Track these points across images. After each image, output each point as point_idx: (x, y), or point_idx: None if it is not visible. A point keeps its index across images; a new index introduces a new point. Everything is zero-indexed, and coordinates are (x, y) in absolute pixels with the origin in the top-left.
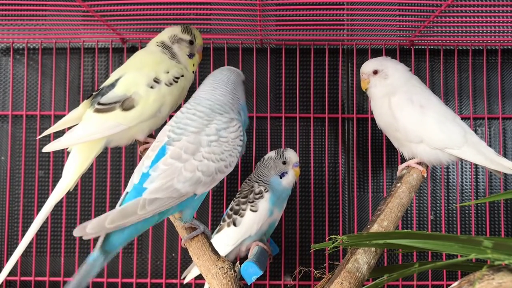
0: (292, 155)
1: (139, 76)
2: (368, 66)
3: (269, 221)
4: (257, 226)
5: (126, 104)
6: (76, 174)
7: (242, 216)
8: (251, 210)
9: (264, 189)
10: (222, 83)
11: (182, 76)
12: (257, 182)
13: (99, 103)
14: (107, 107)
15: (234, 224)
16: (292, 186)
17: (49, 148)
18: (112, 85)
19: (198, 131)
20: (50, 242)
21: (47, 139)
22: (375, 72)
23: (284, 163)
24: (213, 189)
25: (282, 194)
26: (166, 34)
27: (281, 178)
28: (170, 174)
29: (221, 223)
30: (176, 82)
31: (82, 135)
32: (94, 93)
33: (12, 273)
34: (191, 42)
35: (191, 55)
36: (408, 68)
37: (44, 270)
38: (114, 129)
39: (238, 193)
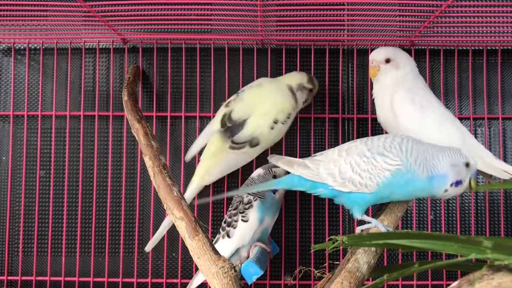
0: (280, 169)
1: (264, 121)
2: (380, 53)
3: (261, 229)
4: (249, 236)
5: (253, 143)
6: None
7: (234, 228)
8: (242, 220)
9: (253, 198)
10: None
11: (290, 114)
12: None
13: (234, 142)
14: (239, 145)
15: (228, 236)
16: (282, 196)
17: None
18: (241, 125)
19: (367, 145)
20: (51, 242)
21: (47, 140)
22: (387, 61)
23: (275, 177)
24: (213, 189)
25: (273, 205)
26: (294, 81)
27: (274, 193)
28: (326, 157)
29: (218, 235)
30: (288, 118)
31: (224, 170)
32: (227, 125)
33: (13, 273)
34: (310, 90)
35: (305, 101)
36: (416, 65)
37: (45, 270)
38: (245, 160)
39: (230, 206)
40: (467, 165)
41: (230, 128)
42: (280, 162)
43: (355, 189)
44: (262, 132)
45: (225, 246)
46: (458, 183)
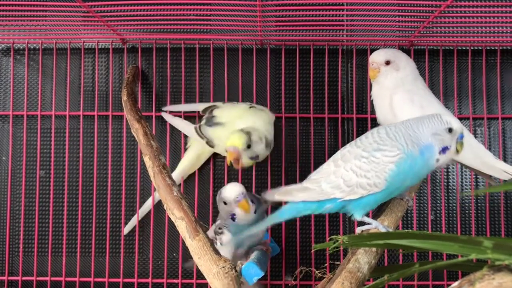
0: (228, 194)
1: (225, 140)
2: (380, 55)
3: (243, 249)
4: (228, 255)
5: (209, 144)
6: (184, 167)
7: (216, 244)
8: (219, 242)
9: (225, 226)
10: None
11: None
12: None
13: (200, 128)
14: (201, 135)
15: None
16: (253, 218)
17: (166, 115)
18: (213, 124)
19: (360, 146)
20: (52, 242)
21: (47, 140)
22: (387, 63)
23: (225, 203)
24: (214, 189)
25: (245, 226)
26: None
27: (233, 220)
28: (323, 172)
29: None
30: None
31: (184, 130)
32: (211, 108)
33: (13, 273)
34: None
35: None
36: (416, 66)
37: (46, 270)
38: (201, 145)
39: None
40: (450, 130)
41: (207, 117)
42: (277, 195)
43: (365, 192)
44: (218, 145)
45: None
46: (444, 149)
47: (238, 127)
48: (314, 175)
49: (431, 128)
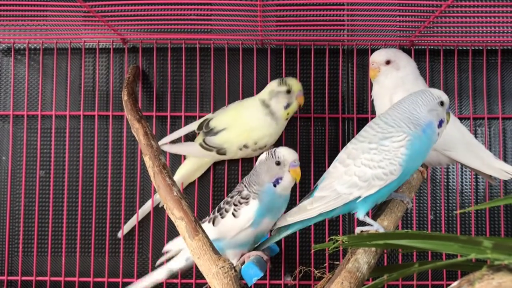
0: (286, 153)
1: (235, 138)
2: (381, 55)
3: (255, 232)
4: (233, 233)
5: (220, 151)
6: (183, 175)
7: (222, 217)
8: (232, 213)
9: (252, 196)
10: (409, 100)
11: (265, 146)
12: (246, 187)
13: (204, 142)
14: (208, 147)
15: (213, 223)
16: (289, 190)
17: (166, 148)
18: (216, 133)
19: (364, 140)
20: (51, 242)
21: (47, 140)
22: (388, 62)
23: (278, 163)
24: (213, 188)
25: (277, 201)
26: (266, 91)
27: (275, 186)
28: (333, 176)
29: (207, 216)
30: (256, 144)
31: (190, 152)
32: (205, 123)
33: (13, 273)
34: (288, 92)
35: (287, 106)
36: (417, 66)
37: (45, 270)
38: (210, 158)
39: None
40: (442, 103)
41: (205, 132)
42: (289, 217)
43: (383, 183)
44: (230, 147)
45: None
46: (441, 123)
47: (241, 123)
48: (322, 183)
49: (426, 105)
